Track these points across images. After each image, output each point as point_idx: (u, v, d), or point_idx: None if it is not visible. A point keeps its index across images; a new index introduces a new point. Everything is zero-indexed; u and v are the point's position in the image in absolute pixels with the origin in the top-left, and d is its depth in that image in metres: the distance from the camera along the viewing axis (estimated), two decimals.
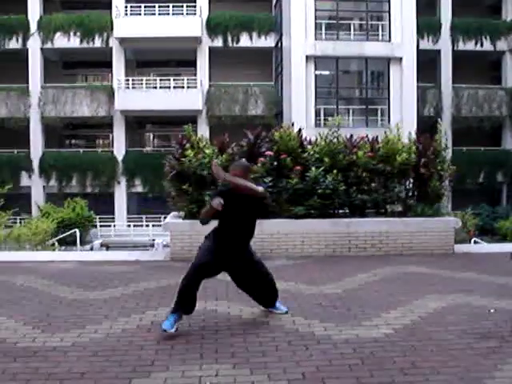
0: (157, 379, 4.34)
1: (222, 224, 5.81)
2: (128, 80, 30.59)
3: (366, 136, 10.27)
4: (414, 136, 10.44)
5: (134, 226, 29.77)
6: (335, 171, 9.39)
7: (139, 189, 31.20)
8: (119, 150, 31.16)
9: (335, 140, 9.90)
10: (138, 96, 29.81)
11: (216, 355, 4.85)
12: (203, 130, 28.12)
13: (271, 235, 9.35)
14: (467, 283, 7.61)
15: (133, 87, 30.63)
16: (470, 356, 4.84)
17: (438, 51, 32.20)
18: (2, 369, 4.55)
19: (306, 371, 4.48)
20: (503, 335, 5.36)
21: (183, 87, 30.39)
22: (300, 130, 10.22)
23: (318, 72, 27.48)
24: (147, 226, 29.28)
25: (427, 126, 10.40)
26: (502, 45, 32.77)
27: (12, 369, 4.55)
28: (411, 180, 10.21)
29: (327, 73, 28.34)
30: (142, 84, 30.66)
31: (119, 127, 31.16)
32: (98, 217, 29.30)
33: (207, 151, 9.60)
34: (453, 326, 5.61)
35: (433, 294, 6.91)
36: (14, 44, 30.63)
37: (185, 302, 5.52)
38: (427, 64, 30.48)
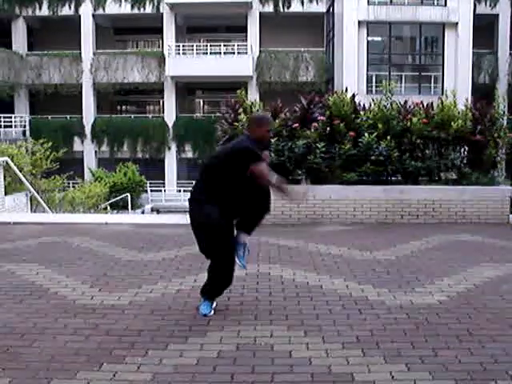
0: (212, 338, 4.42)
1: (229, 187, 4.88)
2: (178, 46, 30.65)
3: (421, 102, 10.08)
4: (470, 102, 10.21)
5: (184, 191, 30.09)
6: (388, 138, 9.27)
7: (189, 154, 31.46)
8: (169, 115, 31.38)
9: (389, 106, 9.77)
10: (188, 62, 29.89)
11: (270, 317, 4.91)
12: (253, 96, 27.97)
13: (323, 201, 9.34)
14: None
15: (183, 53, 30.70)
16: None
17: (496, 16, 31.21)
18: (64, 324, 4.71)
19: (359, 335, 4.50)
20: None
21: (233, 53, 30.32)
22: (354, 95, 10.10)
23: (370, 38, 27.04)
24: None
25: (482, 94, 10.14)
26: None
27: (73, 324, 4.70)
28: (466, 147, 10.02)
29: (380, 39, 27.85)
30: (192, 50, 30.69)
31: (169, 93, 31.35)
32: (148, 182, 29.70)
33: None
34: (508, 296, 5.54)
35: (487, 262, 6.83)
36: (66, 10, 31.02)
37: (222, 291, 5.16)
38: (484, 29, 29.61)
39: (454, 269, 6.47)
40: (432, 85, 27.23)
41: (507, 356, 4.14)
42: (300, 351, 4.18)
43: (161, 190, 30.20)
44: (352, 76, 26.02)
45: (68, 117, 31.55)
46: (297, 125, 9.36)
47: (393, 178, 9.80)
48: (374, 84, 26.28)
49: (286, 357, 4.09)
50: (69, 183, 24.12)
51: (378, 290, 5.66)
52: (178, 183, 31.13)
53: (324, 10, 30.48)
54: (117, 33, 33.63)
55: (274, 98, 10.87)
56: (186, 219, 10.06)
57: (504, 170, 25.19)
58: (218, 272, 4.96)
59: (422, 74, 27.56)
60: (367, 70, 26.64)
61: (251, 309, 5.13)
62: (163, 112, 32.18)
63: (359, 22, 26.36)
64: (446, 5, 26.65)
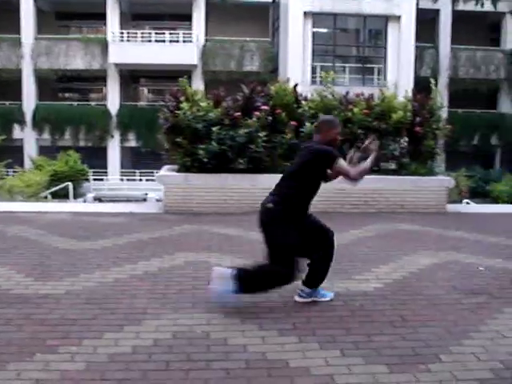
0: (148, 326, 4.38)
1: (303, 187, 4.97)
2: (122, 33, 30.17)
3: (362, 93, 10.21)
4: (410, 95, 10.39)
5: (128, 180, 29.75)
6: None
7: (133, 143, 31.07)
8: (113, 103, 30.91)
9: (330, 96, 9.85)
10: (132, 49, 29.44)
11: (208, 305, 4.88)
12: (198, 85, 27.84)
13: (264, 190, 9.29)
14: (458, 241, 7.68)
15: (127, 40, 30.23)
16: (458, 311, 4.92)
17: (438, 11, 31.83)
18: None
19: (296, 322, 4.54)
20: (491, 292, 5.44)
21: (179, 41, 30.03)
22: (296, 85, 10.15)
23: (315, 29, 27.19)
24: (140, 180, 29.27)
25: (424, 87, 10.33)
26: (502, 6, 32.39)
27: (6, 314, 4.58)
28: (406, 138, 10.19)
29: (325, 30, 28.04)
30: (136, 37, 30.26)
31: (113, 81, 30.87)
32: (91, 170, 29.22)
33: (202, 104, 9.55)
34: (443, 282, 5.68)
35: (424, 250, 6.98)
36: None
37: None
38: (426, 24, 30.17)
39: (392, 257, 6.60)
40: (375, 76, 27.61)
41: (439, 340, 4.25)
42: (236, 338, 4.19)
43: (103, 179, 29.76)
44: (297, 66, 26.14)
45: (7, 103, 30.71)
46: (239, 114, 9.34)
47: None
48: (318, 75, 26.46)
49: (222, 344, 4.09)
50: (7, 171, 23.53)
51: None
52: (121, 172, 30.73)
53: (270, 0, 30.48)
54: (59, 18, 32.80)
55: (219, 87, 10.81)
56: (127, 208, 10.03)
57: (444, 161, 25.82)
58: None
59: (366, 65, 27.92)
60: (312, 61, 26.80)
61: (189, 297, 5.10)
62: (106, 100, 31.67)
63: (305, 13, 26.47)
64: None
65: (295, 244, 4.78)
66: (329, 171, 4.97)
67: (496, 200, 26.17)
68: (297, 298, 5.01)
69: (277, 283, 4.85)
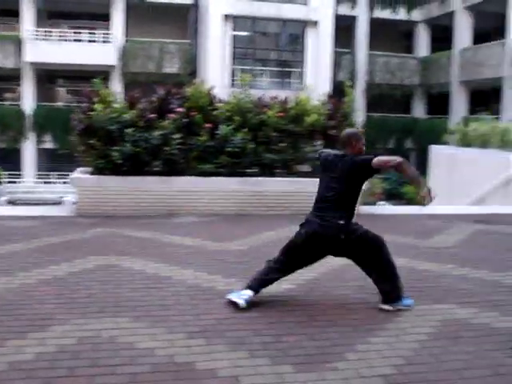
0: (54, 332, 4.27)
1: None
2: (38, 31, 29.33)
3: (277, 96, 10.31)
4: (324, 98, 10.56)
5: (44, 182, 28.94)
6: (245, 130, 9.41)
7: (49, 145, 30.24)
8: (28, 104, 30.00)
9: (246, 99, 9.90)
10: (48, 48, 28.61)
11: (116, 309, 4.83)
12: (117, 87, 27.45)
13: (179, 192, 9.32)
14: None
15: (44, 39, 29.40)
16: (365, 309, 5.04)
17: (355, 17, 32.59)
18: None
19: (205, 324, 4.53)
20: None
21: (97, 41, 29.47)
22: (211, 87, 10.15)
23: (235, 32, 27.28)
24: (56, 183, 28.53)
25: (341, 91, 10.53)
26: (416, 15, 33.54)
27: None
28: (321, 142, 10.34)
29: (244, 33, 28.17)
30: (52, 36, 29.47)
31: (28, 80, 29.95)
32: (5, 173, 28.24)
33: (116, 106, 9.41)
34: (352, 282, 5.79)
35: None
36: None
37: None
38: (344, 30, 30.85)
39: None
40: (294, 80, 27.94)
41: (345, 339, 4.34)
42: (144, 342, 4.14)
43: (18, 182, 28.83)
44: (216, 69, 26.16)
45: None
46: (153, 115, 9.25)
47: (249, 170, 9.94)
48: (238, 78, 26.56)
49: (130, 348, 4.04)
50: None
51: (226, 279, 5.73)
52: (37, 175, 29.86)
53: (190, 2, 30.36)
54: None
55: (138, 88, 10.69)
56: (38, 211, 9.75)
57: None
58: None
59: (285, 69, 28.23)
60: (232, 64, 26.87)
61: (98, 301, 5.01)
62: (21, 100, 30.69)
63: (224, 16, 26.53)
64: (307, 4, 27.43)
65: None
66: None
67: (410, 202, 26.97)
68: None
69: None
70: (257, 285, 5.04)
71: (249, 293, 4.96)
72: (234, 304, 4.91)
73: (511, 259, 7.17)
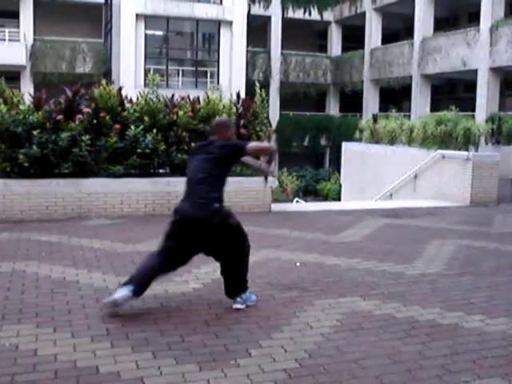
0: None
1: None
2: None
3: (188, 96, 10.30)
4: (235, 98, 10.62)
5: None
6: (155, 130, 9.34)
7: None
8: None
9: (156, 99, 9.85)
10: None
11: (19, 316, 4.73)
12: (27, 87, 26.59)
13: (89, 194, 9.17)
14: (279, 239, 7.99)
15: None
16: (272, 306, 5.13)
17: (269, 17, 32.91)
18: None
19: (110, 327, 4.51)
20: (305, 286, 5.73)
21: (4, 40, 28.49)
22: (120, 88, 10.03)
23: (148, 31, 27.02)
24: None
25: (256, 90, 10.59)
26: (328, 15, 34.20)
27: None
28: None
29: (158, 33, 27.97)
30: None
31: None
32: None
33: (22, 107, 9.16)
34: (260, 279, 5.88)
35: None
36: None
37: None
38: (258, 29, 31.10)
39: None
40: (208, 80, 27.94)
41: (250, 335, 4.42)
42: (46, 348, 4.08)
43: None
44: (130, 69, 25.83)
45: None
46: (61, 117, 9.05)
47: (160, 171, 9.90)
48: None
49: (31, 355, 3.97)
50: None
51: None
52: None
53: (103, 1, 29.84)
54: None
55: (50, 89, 10.42)
56: None
57: (277, 162, 26.65)
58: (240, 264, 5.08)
59: (199, 69, 28.19)
60: (145, 64, 26.59)
61: (0, 308, 4.88)
62: None
63: (137, 15, 26.20)
64: (221, 3, 27.50)
65: None
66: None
67: (326, 198, 27.56)
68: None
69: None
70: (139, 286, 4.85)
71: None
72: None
73: (415, 251, 7.44)
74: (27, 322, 4.58)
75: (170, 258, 4.94)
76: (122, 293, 4.71)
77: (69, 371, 3.74)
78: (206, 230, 4.85)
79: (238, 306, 5.02)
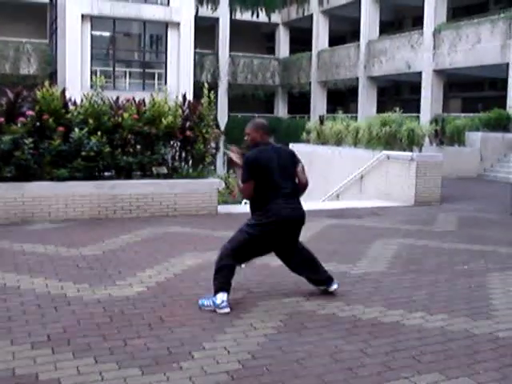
0: None
1: None
2: None
3: (133, 98, 10.22)
4: (180, 100, 10.59)
5: None
6: (100, 133, 9.23)
7: None
8: None
9: (100, 101, 9.74)
10: None
11: None
12: None
13: (33, 198, 8.99)
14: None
15: None
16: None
17: (217, 19, 32.93)
18: None
19: (51, 333, 4.43)
20: (249, 287, 5.76)
21: None
22: (64, 90, 9.89)
23: (94, 32, 26.71)
24: None
25: (203, 92, 10.56)
26: (276, 17, 34.42)
27: None
28: (178, 143, 10.37)
29: (105, 34, 27.67)
30: None
31: None
32: None
33: None
34: (204, 282, 5.86)
35: (191, 252, 7.18)
36: None
37: None
38: (206, 31, 31.09)
39: (158, 260, 6.70)
40: (156, 81, 27.77)
41: (193, 338, 4.41)
42: None
43: None
44: (76, 70, 25.46)
45: None
46: (2, 119, 8.86)
47: (106, 174, 9.78)
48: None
49: None
50: None
51: (78, 285, 5.63)
52: None
53: (47, 1, 29.35)
54: None
55: None
56: None
57: (221, 164, 26.68)
58: None
59: (147, 70, 28.03)
60: (91, 65, 26.26)
61: None
62: None
63: (83, 16, 25.86)
64: (168, 4, 27.38)
65: None
66: None
67: None
68: None
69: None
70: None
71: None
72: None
73: (359, 251, 7.56)
74: None
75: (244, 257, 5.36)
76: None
77: (7, 380, 3.67)
78: (299, 230, 5.43)
79: (335, 286, 5.55)
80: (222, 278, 5.09)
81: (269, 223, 5.16)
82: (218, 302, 4.99)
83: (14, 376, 3.72)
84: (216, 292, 5.04)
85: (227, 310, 4.98)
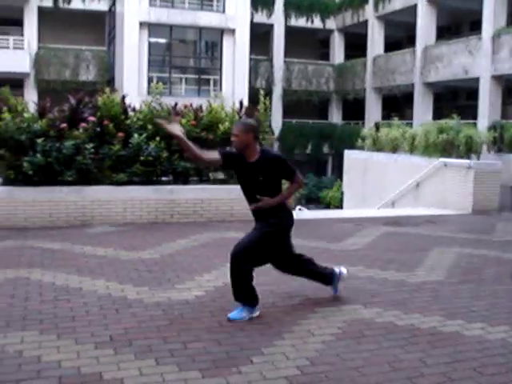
0: None
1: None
2: None
3: (191, 104, 10.36)
4: (237, 106, 10.68)
5: None
6: (158, 138, 9.40)
7: None
8: None
9: (159, 107, 9.91)
10: None
11: (23, 322, 4.76)
12: (31, 95, 26.75)
13: (92, 202, 9.22)
14: None
15: None
16: (274, 313, 5.16)
17: (272, 25, 33.04)
18: None
19: (113, 334, 4.53)
20: (306, 294, 5.76)
21: (9, 48, 28.62)
22: (124, 96, 10.10)
23: (151, 39, 27.14)
24: None
25: (259, 98, 10.63)
26: (331, 23, 34.33)
27: None
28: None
29: (161, 41, 28.07)
30: None
31: None
32: None
33: (26, 115, 9.22)
34: (261, 287, 5.86)
35: None
36: None
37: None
38: (261, 37, 31.21)
39: (216, 265, 6.76)
40: (211, 87, 28.02)
41: (252, 343, 4.43)
42: (50, 355, 4.11)
43: None
44: (133, 77, 25.93)
45: None
46: (65, 125, 9.12)
47: (163, 178, 9.95)
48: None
49: (35, 362, 4.00)
50: None
51: (138, 288, 5.74)
52: None
53: (106, 9, 30.00)
54: None
55: (53, 97, 10.48)
56: None
57: None
58: None
59: (202, 76, 28.29)
60: (148, 72, 26.69)
61: (4, 315, 4.92)
62: None
63: (140, 23, 26.30)
64: (224, 12, 27.61)
65: None
66: None
67: (328, 205, 27.55)
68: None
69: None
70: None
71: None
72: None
73: (416, 259, 7.47)
74: (31, 328, 4.62)
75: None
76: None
77: (73, 378, 3.78)
78: None
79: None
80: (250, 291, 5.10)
81: (289, 224, 5.27)
82: (245, 314, 5.02)
83: (80, 374, 3.82)
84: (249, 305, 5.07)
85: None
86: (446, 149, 14.61)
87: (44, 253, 7.29)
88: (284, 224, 5.19)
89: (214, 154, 5.11)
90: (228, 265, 6.67)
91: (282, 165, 5.06)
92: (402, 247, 8.37)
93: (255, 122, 5.29)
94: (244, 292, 5.03)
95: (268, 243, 5.13)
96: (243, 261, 5.00)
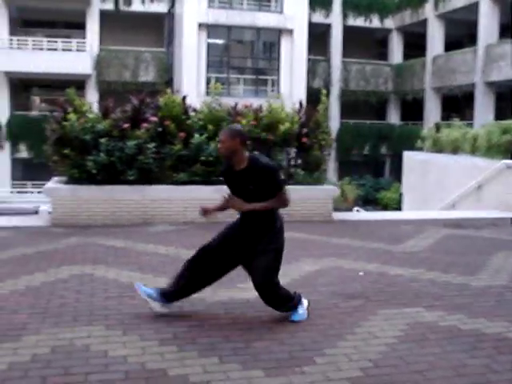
0: (27, 342, 4.30)
1: None
2: (12, 40, 29.15)
3: (251, 105, 10.41)
4: (297, 106, 10.68)
5: (18, 192, 28.68)
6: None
7: (24, 154, 29.99)
8: (2, 113, 29.76)
9: (219, 107, 9.99)
10: (23, 57, 28.41)
11: (90, 318, 4.87)
12: (92, 96, 27.38)
13: (153, 201, 9.37)
14: (341, 248, 7.99)
15: (18, 47, 29.22)
16: (336, 314, 5.14)
17: (330, 25, 32.90)
18: None
19: (177, 331, 4.60)
20: (368, 295, 5.71)
21: (72, 50, 29.35)
22: (184, 97, 10.22)
23: (210, 40, 27.39)
24: (32, 193, 28.31)
25: (317, 98, 10.64)
26: (389, 23, 33.95)
27: None
28: (294, 149, 10.46)
29: (219, 41, 28.29)
30: (27, 44, 29.29)
31: (2, 89, 29.71)
32: None
33: (90, 116, 9.45)
34: (323, 287, 5.90)
35: (308, 258, 7.22)
36: None
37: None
38: (318, 37, 31.12)
39: None
40: (269, 88, 28.09)
41: (315, 343, 4.43)
42: (116, 350, 4.20)
43: None
44: (192, 77, 26.23)
45: None
46: (127, 125, 9.30)
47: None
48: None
49: (102, 356, 4.09)
50: None
51: None
52: (12, 184, 29.60)
53: (165, 11, 30.43)
54: None
55: (114, 97, 10.70)
56: (12, 221, 9.71)
57: (337, 171, 26.56)
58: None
59: (260, 77, 28.38)
60: (207, 72, 26.95)
61: (71, 310, 5.05)
62: None
63: (199, 25, 26.60)
64: (282, 12, 27.63)
65: None
66: None
67: (386, 207, 27.27)
68: None
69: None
70: None
71: None
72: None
73: (479, 263, 7.32)
74: (97, 323, 4.73)
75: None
76: None
77: (139, 373, 3.85)
78: None
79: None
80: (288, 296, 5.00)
81: (281, 226, 5.11)
82: (302, 312, 5.02)
83: (145, 370, 3.89)
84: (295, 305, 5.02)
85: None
86: (510, 150, 14.24)
87: (107, 250, 7.45)
88: (274, 223, 5.01)
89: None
90: (289, 265, 6.71)
91: (269, 176, 4.69)
92: (463, 250, 8.21)
93: (242, 128, 5.14)
94: (284, 302, 4.97)
95: (281, 249, 5.05)
96: (271, 286, 4.87)
